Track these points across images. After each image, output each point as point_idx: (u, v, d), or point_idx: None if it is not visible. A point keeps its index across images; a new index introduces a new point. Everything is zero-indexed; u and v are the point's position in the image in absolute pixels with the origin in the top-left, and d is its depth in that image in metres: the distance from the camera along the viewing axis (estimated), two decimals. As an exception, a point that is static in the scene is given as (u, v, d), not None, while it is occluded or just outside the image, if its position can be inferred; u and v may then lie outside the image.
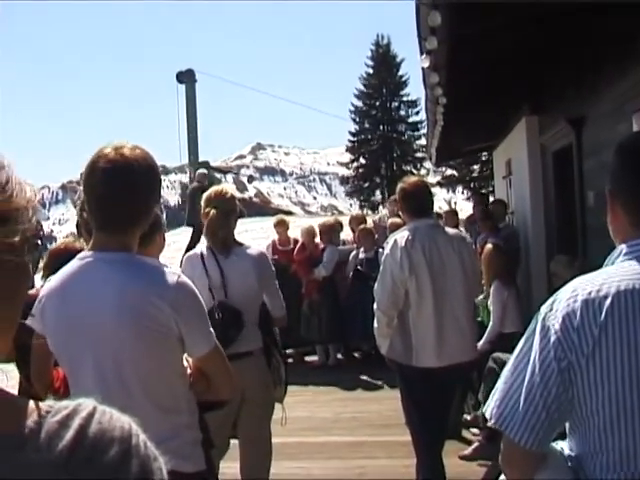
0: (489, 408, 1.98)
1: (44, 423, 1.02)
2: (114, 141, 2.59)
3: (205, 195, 4.80)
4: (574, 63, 7.41)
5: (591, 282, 1.91)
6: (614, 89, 6.00)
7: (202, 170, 19.87)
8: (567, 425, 1.98)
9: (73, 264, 2.64)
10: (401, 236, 5.09)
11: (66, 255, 3.71)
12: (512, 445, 1.94)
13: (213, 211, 4.60)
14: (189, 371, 2.77)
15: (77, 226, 3.59)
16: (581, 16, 5.80)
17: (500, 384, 1.99)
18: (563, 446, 2.02)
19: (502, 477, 2.22)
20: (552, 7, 5.37)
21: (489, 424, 2.04)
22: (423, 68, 6.39)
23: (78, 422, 1.03)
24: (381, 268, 5.23)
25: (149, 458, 1.07)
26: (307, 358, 11.45)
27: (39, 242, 1.19)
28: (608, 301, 1.83)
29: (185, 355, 2.72)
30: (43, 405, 1.07)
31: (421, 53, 6.01)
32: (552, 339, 1.87)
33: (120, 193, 2.52)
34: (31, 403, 1.07)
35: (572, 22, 6.05)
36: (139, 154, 2.57)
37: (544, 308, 1.96)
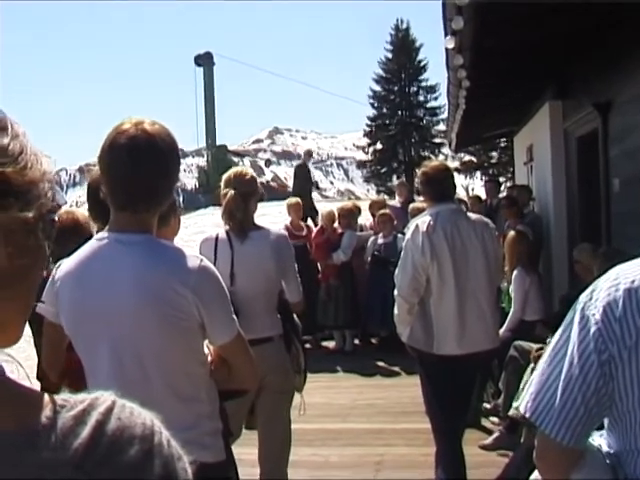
0: (524, 402, 1.88)
1: (58, 418, 0.93)
2: (131, 117, 2.49)
3: (224, 176, 4.68)
4: (601, 47, 7.26)
5: (633, 270, 1.80)
6: (642, 73, 5.87)
7: (308, 148, 20.93)
8: (606, 421, 1.87)
9: (90, 245, 2.54)
10: (422, 221, 5.00)
11: (74, 230, 3.62)
12: (547, 441, 1.83)
13: (231, 192, 4.46)
14: (210, 359, 2.67)
15: (89, 210, 3.48)
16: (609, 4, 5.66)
17: (536, 377, 1.88)
18: (601, 443, 1.91)
19: (534, 475, 2.12)
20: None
21: (524, 416, 1.93)
22: (447, 49, 6.27)
23: (95, 418, 0.94)
24: (402, 254, 5.14)
25: (173, 457, 0.99)
26: (324, 343, 11.40)
27: (55, 219, 1.09)
28: None
29: (206, 342, 2.62)
30: (58, 398, 0.98)
31: (445, 34, 5.89)
32: (592, 330, 1.76)
33: (143, 170, 2.42)
34: (46, 396, 0.98)
35: (599, 6, 5.90)
36: (160, 129, 2.47)
37: (583, 297, 1.85)
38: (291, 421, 4.77)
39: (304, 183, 18.13)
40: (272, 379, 4.28)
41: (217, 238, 4.57)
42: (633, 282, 1.76)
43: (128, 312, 2.41)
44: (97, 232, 2.86)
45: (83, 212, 3.93)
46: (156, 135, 2.43)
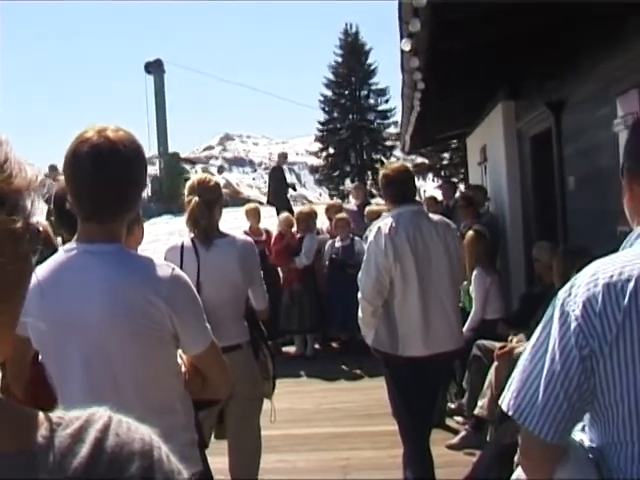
0: (505, 399, 1.88)
1: (55, 437, 0.90)
2: (94, 125, 2.44)
3: (188, 183, 4.64)
4: (554, 47, 7.33)
5: (612, 265, 1.81)
6: (597, 72, 5.93)
7: (283, 151, 20.81)
8: (587, 416, 1.88)
9: (58, 256, 2.47)
10: (384, 223, 5.01)
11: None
12: (531, 438, 1.84)
13: (195, 199, 4.42)
14: (184, 369, 2.63)
15: (49, 220, 3.41)
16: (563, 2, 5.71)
17: (517, 374, 1.88)
18: (583, 438, 1.92)
19: (516, 475, 2.13)
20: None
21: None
22: (403, 52, 6.27)
23: (93, 435, 0.91)
24: (365, 256, 5.15)
25: (173, 473, 0.97)
26: (284, 349, 11.35)
27: (40, 229, 1.05)
28: (631, 284, 1.73)
29: (179, 352, 2.58)
30: (53, 416, 0.94)
31: (401, 37, 5.90)
32: (572, 325, 1.77)
33: (108, 178, 2.36)
34: (40, 415, 0.94)
35: (552, 6, 5.96)
36: (124, 136, 2.41)
37: (562, 293, 1.85)
38: (260, 428, 4.75)
39: (279, 186, 18.03)
40: (241, 386, 4.23)
41: (182, 246, 4.52)
42: (612, 277, 1.77)
43: (99, 323, 2.35)
44: (64, 243, 2.80)
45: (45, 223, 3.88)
46: (119, 142, 2.38)
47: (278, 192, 17.28)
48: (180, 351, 2.57)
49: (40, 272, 2.47)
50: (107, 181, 2.36)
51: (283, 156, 19.12)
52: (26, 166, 1.01)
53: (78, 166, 2.37)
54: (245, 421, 4.56)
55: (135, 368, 2.41)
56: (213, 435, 4.57)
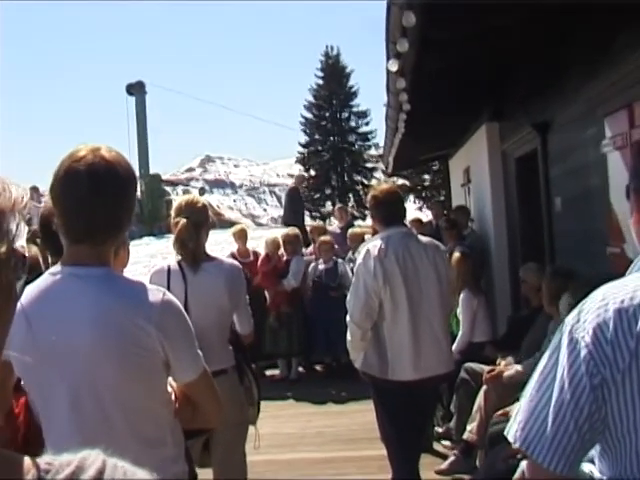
0: (512, 430, 1.80)
1: None
2: (86, 144, 2.35)
3: (175, 204, 4.54)
4: (538, 67, 7.32)
5: (622, 289, 1.74)
6: (583, 92, 5.89)
7: (299, 173, 20.40)
8: (597, 447, 1.80)
9: (43, 280, 2.35)
10: (374, 245, 4.95)
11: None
12: (539, 470, 1.75)
13: (183, 221, 4.32)
14: (173, 397, 2.52)
15: (34, 242, 3.31)
16: (548, 20, 5.70)
17: (523, 404, 1.80)
18: (592, 469, 1.84)
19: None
20: (521, 13, 5.27)
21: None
22: (389, 73, 6.23)
23: None
24: (354, 279, 5.08)
25: None
26: (267, 372, 11.23)
27: (26, 255, 0.96)
28: None
29: (169, 379, 2.48)
30: (41, 462, 0.85)
31: (387, 58, 5.86)
32: (582, 353, 1.69)
33: (104, 199, 2.27)
34: (27, 460, 0.85)
35: (538, 27, 5.95)
36: (117, 156, 2.33)
37: (570, 319, 1.77)
38: (246, 454, 4.65)
39: (296, 206, 17.68)
40: (227, 412, 4.11)
41: (169, 269, 4.42)
42: (622, 302, 1.69)
43: (86, 351, 2.24)
44: (47, 267, 2.70)
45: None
46: (115, 162, 2.30)
47: (295, 213, 16.97)
48: (170, 379, 2.46)
49: (24, 298, 2.36)
50: (103, 202, 2.27)
51: (300, 177, 18.71)
52: (11, 186, 0.93)
53: (70, 185, 2.27)
54: (231, 448, 4.46)
55: (125, 397, 2.30)
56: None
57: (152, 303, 2.28)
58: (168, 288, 4.20)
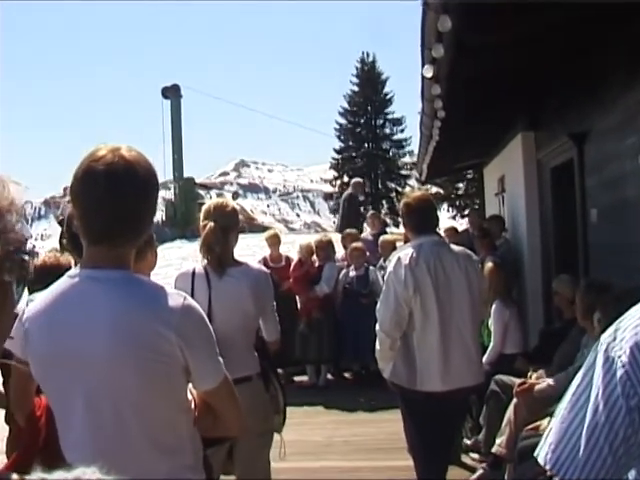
0: (542, 452, 1.71)
1: None
2: (106, 143, 2.30)
3: (204, 207, 4.48)
4: (576, 76, 7.22)
5: None
6: (622, 102, 5.79)
7: (358, 179, 19.82)
8: (633, 472, 1.71)
9: (62, 283, 2.30)
10: (405, 253, 4.88)
11: (57, 270, 3.41)
12: None
13: (211, 224, 4.26)
14: (193, 405, 2.45)
15: (61, 243, 3.30)
16: (585, 28, 5.60)
17: (555, 425, 1.71)
18: (627, 495, 1.75)
19: None
20: (557, 19, 5.18)
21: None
22: (424, 79, 6.16)
23: None
24: (384, 287, 5.02)
25: None
26: (296, 378, 11.18)
27: (25, 257, 0.90)
28: None
29: (189, 386, 2.41)
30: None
31: (422, 64, 5.79)
32: (619, 373, 1.60)
33: (123, 199, 2.21)
34: (14, 478, 0.79)
35: (575, 35, 5.85)
36: (138, 156, 2.27)
37: (605, 337, 1.68)
38: (270, 464, 4.58)
39: (354, 213, 17.33)
40: (251, 421, 4.04)
41: (194, 273, 4.37)
42: None
43: (104, 357, 2.18)
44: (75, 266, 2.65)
45: (67, 257, 3.78)
46: (135, 162, 2.24)
47: (352, 220, 16.70)
48: (190, 386, 2.40)
49: (42, 299, 2.32)
50: (122, 202, 2.21)
51: (359, 184, 18.34)
52: (9, 184, 0.87)
53: (90, 185, 2.21)
54: (255, 457, 4.39)
55: (142, 405, 2.23)
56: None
57: (172, 308, 2.22)
58: (192, 292, 4.18)
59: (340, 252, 12.03)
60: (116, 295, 2.20)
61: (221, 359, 2.38)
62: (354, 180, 19.26)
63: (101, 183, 2.18)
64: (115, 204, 2.20)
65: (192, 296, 4.20)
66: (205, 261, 4.35)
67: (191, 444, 2.37)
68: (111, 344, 2.17)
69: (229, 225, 4.34)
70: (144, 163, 2.28)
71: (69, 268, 3.34)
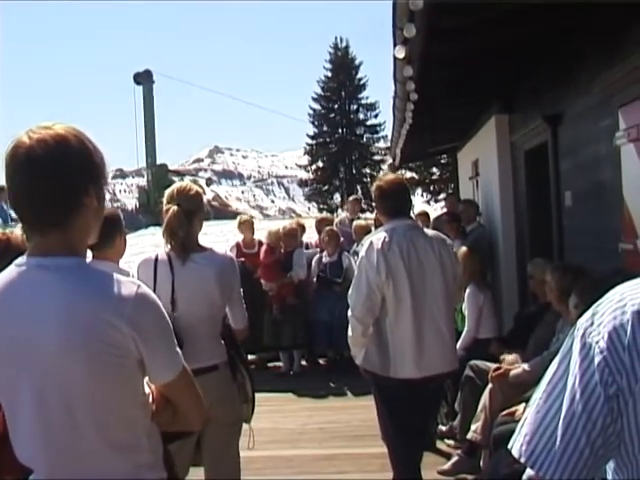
0: (517, 444, 1.62)
1: None
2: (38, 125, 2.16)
3: (167, 191, 4.33)
4: (550, 59, 7.15)
5: None
6: (597, 83, 5.69)
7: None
8: (611, 464, 1.62)
9: (9, 272, 2.16)
10: (377, 237, 4.79)
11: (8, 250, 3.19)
12: None
13: (174, 208, 4.12)
14: (151, 399, 2.32)
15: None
16: (560, 8, 5.52)
17: (530, 415, 1.62)
18: (606, 487, 1.67)
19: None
20: (532, 2, 5.11)
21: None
22: (396, 60, 6.05)
23: None
24: (356, 272, 4.94)
25: None
26: (270, 364, 11.10)
27: None
28: None
29: (146, 380, 2.28)
30: None
31: (394, 44, 5.68)
32: (597, 360, 1.51)
33: (47, 183, 2.07)
34: None
35: (550, 15, 5.77)
36: (66, 135, 2.12)
37: (582, 322, 1.60)
38: (239, 453, 4.49)
39: None
40: (218, 410, 3.95)
41: (157, 259, 4.23)
42: None
43: (52, 349, 2.05)
44: None
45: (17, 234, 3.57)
46: (60, 141, 2.10)
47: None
48: (147, 379, 2.27)
49: None
50: (47, 185, 2.08)
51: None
52: None
53: (14, 171, 2.09)
54: (223, 448, 4.28)
55: (93, 400, 2.10)
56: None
57: (124, 297, 2.09)
58: (155, 279, 4.05)
59: (315, 237, 11.95)
60: (64, 284, 2.07)
61: (179, 350, 2.27)
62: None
63: (24, 169, 2.07)
64: (39, 189, 2.07)
65: (155, 283, 4.10)
66: (168, 246, 4.22)
67: (148, 441, 2.24)
68: (59, 335, 2.04)
69: (193, 209, 4.20)
70: (73, 142, 2.12)
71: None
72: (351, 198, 14.92)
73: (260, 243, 11.09)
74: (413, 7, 4.36)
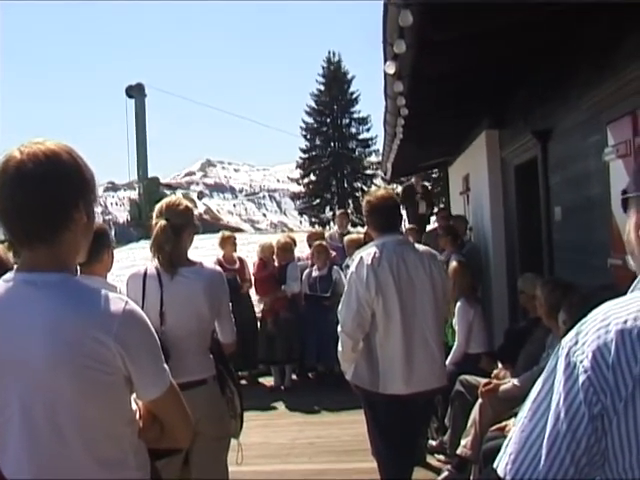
0: (502, 463, 1.62)
1: None
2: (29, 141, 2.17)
3: (157, 206, 4.33)
4: (539, 75, 7.19)
5: (625, 308, 1.56)
6: (586, 100, 5.72)
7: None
8: None
9: None
10: (367, 253, 4.80)
11: None
12: None
13: (162, 222, 4.12)
14: (138, 416, 2.32)
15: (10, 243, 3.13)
16: (550, 25, 5.55)
17: (515, 434, 1.62)
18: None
19: None
20: (522, 15, 5.12)
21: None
22: (386, 76, 6.08)
23: None
24: (346, 287, 4.93)
25: None
26: (261, 379, 11.08)
27: None
28: None
29: (133, 396, 2.28)
30: None
31: (385, 60, 5.70)
32: (581, 379, 1.51)
33: (36, 198, 2.08)
34: None
35: (540, 32, 5.81)
36: (56, 150, 2.13)
37: (567, 341, 1.60)
38: (228, 469, 4.47)
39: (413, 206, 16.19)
40: (206, 425, 3.94)
41: (145, 273, 4.23)
42: (626, 322, 1.52)
43: (39, 365, 2.04)
44: None
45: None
46: (50, 156, 2.11)
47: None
48: (134, 396, 2.27)
49: None
50: (36, 201, 2.08)
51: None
52: None
53: (3, 187, 2.10)
54: (211, 463, 4.24)
55: (81, 416, 2.09)
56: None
57: (112, 313, 2.09)
58: (143, 293, 4.05)
59: (306, 251, 11.95)
60: (52, 299, 2.07)
61: (167, 367, 2.26)
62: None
63: (14, 183, 2.07)
64: (29, 203, 2.07)
65: (143, 297, 4.10)
66: (156, 261, 4.22)
67: (135, 458, 2.23)
68: (47, 352, 2.04)
69: (182, 224, 4.20)
70: (65, 157, 2.13)
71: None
72: (339, 212, 14.93)
73: (240, 259, 11.09)
74: (403, 23, 4.38)
